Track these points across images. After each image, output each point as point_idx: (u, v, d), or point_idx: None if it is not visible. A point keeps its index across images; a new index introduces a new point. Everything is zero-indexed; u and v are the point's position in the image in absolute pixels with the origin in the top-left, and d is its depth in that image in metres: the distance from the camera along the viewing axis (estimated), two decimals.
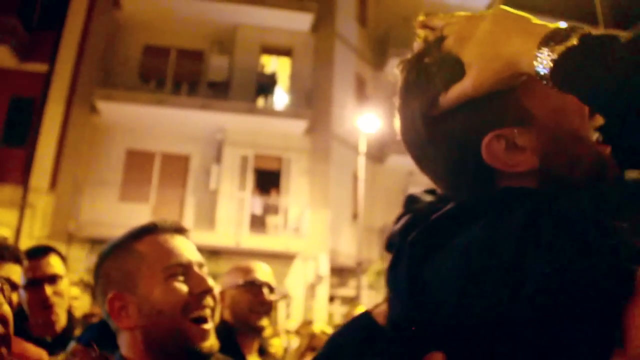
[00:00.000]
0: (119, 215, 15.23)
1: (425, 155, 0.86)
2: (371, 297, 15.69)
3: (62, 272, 2.39)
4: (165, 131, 16.43)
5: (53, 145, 15.91)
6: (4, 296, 1.16)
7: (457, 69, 0.79)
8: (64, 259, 2.49)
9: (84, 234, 14.79)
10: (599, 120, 0.78)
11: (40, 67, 16.37)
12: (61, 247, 14.03)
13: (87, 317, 5.95)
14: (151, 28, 17.46)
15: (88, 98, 16.04)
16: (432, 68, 0.83)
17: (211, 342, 1.31)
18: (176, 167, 16.56)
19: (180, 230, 1.49)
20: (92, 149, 16.19)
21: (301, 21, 17.70)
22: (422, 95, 0.83)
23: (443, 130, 0.81)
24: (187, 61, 17.54)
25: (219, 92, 16.93)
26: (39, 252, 2.39)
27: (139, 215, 15.51)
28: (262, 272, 2.49)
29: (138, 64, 17.34)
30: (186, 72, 17.45)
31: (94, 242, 14.61)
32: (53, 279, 2.32)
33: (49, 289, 2.29)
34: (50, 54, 16.50)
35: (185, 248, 1.43)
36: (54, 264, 2.38)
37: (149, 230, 1.42)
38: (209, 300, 1.35)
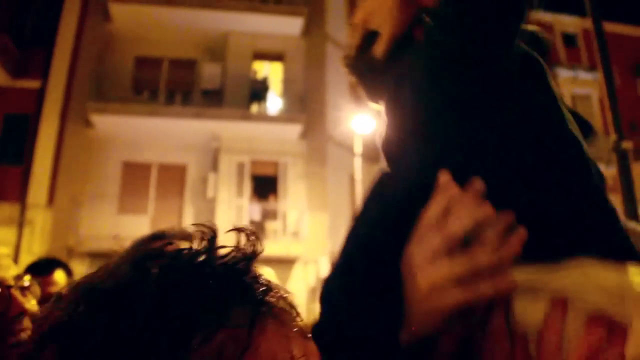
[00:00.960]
0: (118, 228, 15.25)
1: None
2: None
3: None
4: (160, 142, 16.43)
5: (49, 161, 15.91)
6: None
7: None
8: (70, 273, 2.43)
9: (84, 249, 14.75)
10: None
11: (33, 84, 16.39)
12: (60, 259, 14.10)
13: None
14: (142, 39, 17.48)
15: (82, 112, 16.05)
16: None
17: None
18: (173, 177, 16.55)
19: None
20: (89, 163, 16.18)
21: (292, 25, 17.75)
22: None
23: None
24: (180, 70, 17.56)
25: (213, 100, 16.96)
26: (44, 268, 2.33)
27: (138, 227, 15.53)
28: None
29: (131, 76, 17.34)
30: (179, 82, 17.47)
31: (94, 256, 14.56)
32: None
33: None
34: (42, 70, 16.52)
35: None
36: (57, 281, 2.33)
37: None
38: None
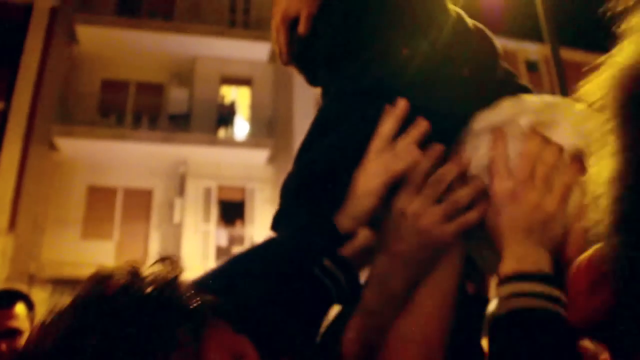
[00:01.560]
0: (82, 254, 14.98)
1: None
2: None
3: (24, 325, 2.24)
4: (126, 166, 16.25)
5: (11, 184, 15.57)
6: None
7: None
8: (32, 306, 2.36)
9: (46, 275, 14.45)
10: None
11: None
12: (22, 290, 13.72)
13: None
14: (109, 62, 17.34)
15: (46, 135, 15.78)
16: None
17: None
18: (139, 201, 16.36)
19: None
20: (52, 187, 15.89)
21: (260, 51, 17.80)
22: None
23: None
24: (147, 94, 17.45)
25: (180, 124, 16.85)
26: (4, 301, 2.26)
27: (102, 252, 15.31)
28: None
29: (97, 99, 17.16)
30: (146, 106, 17.35)
31: (56, 282, 14.29)
32: (12, 333, 2.20)
33: (4, 345, 2.16)
34: (6, 92, 16.23)
35: None
36: (18, 315, 2.24)
37: None
38: None
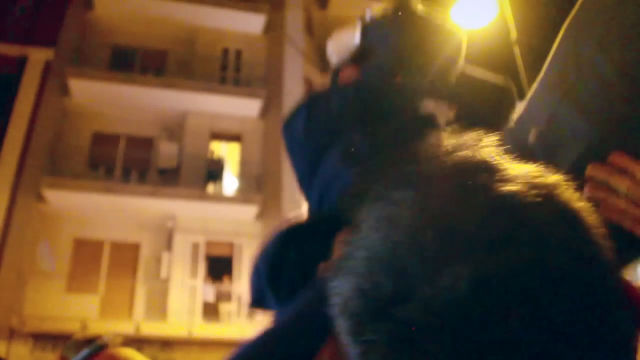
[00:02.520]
0: (66, 308, 14.82)
1: None
2: None
3: None
4: (114, 219, 16.20)
5: None
6: None
7: None
8: None
9: (28, 329, 14.20)
10: None
11: None
12: (2, 345, 13.32)
13: None
14: (100, 116, 17.49)
15: (35, 186, 15.74)
16: None
17: None
18: (126, 255, 16.25)
19: None
20: (38, 238, 15.78)
21: (250, 107, 18.05)
22: None
23: None
24: (137, 148, 17.54)
25: (169, 178, 16.90)
26: None
27: (87, 306, 15.14)
28: None
29: (87, 152, 17.22)
30: (135, 159, 17.42)
31: (38, 337, 14.08)
32: None
33: None
34: None
35: None
36: None
37: None
38: None
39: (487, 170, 0.44)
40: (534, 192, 0.41)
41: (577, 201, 0.44)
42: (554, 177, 0.45)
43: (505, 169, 0.44)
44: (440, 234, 0.39)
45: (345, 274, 0.45)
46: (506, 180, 0.42)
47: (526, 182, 0.42)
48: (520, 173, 0.44)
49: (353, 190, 0.60)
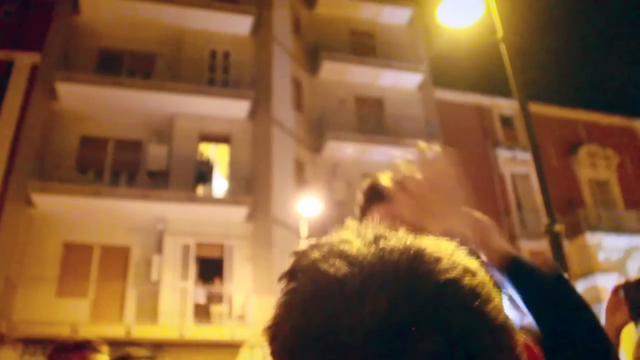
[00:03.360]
0: (56, 312, 14.74)
1: None
2: None
3: None
4: (104, 223, 16.15)
5: None
6: None
7: None
8: None
9: (17, 334, 14.11)
10: None
11: None
12: None
13: None
14: (88, 119, 17.43)
15: (23, 191, 15.68)
16: None
17: None
18: (116, 259, 16.19)
19: None
20: (27, 243, 15.69)
21: (238, 109, 18.06)
22: None
23: None
24: (125, 151, 17.49)
25: (158, 181, 16.88)
26: None
27: (77, 311, 15.06)
28: None
29: (75, 155, 17.14)
30: (124, 162, 17.38)
31: (27, 342, 13.98)
32: None
33: None
34: None
35: None
36: None
37: None
38: None
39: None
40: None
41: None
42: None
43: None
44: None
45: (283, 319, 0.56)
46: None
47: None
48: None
49: None
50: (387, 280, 0.49)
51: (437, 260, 0.51)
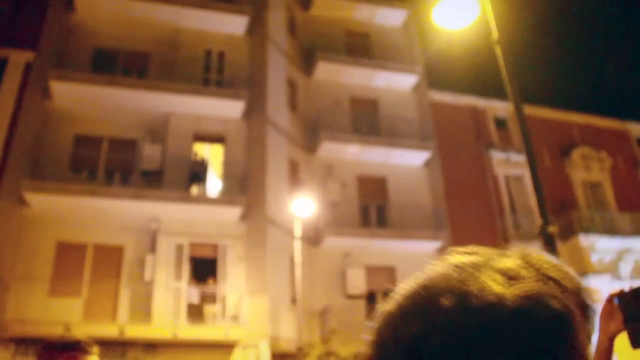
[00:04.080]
0: (49, 312, 14.70)
1: None
2: None
3: None
4: (97, 222, 16.10)
5: None
6: None
7: None
8: None
9: (9, 334, 14.05)
10: None
11: None
12: None
13: None
14: (82, 118, 17.38)
15: (16, 189, 15.60)
16: None
17: None
18: (109, 258, 16.14)
19: None
20: (20, 242, 15.62)
21: (233, 109, 18.05)
22: None
23: None
24: (119, 150, 17.45)
25: (152, 181, 16.85)
26: None
27: (70, 310, 15.02)
28: None
29: (69, 154, 17.08)
30: (118, 162, 17.34)
31: (20, 342, 13.92)
32: None
33: None
34: None
35: None
36: None
37: None
38: None
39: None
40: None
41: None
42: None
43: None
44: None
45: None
46: None
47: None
48: None
49: None
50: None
51: None
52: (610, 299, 1.49)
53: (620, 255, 22.08)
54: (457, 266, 0.68)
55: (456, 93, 23.75)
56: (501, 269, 0.66)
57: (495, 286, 0.64)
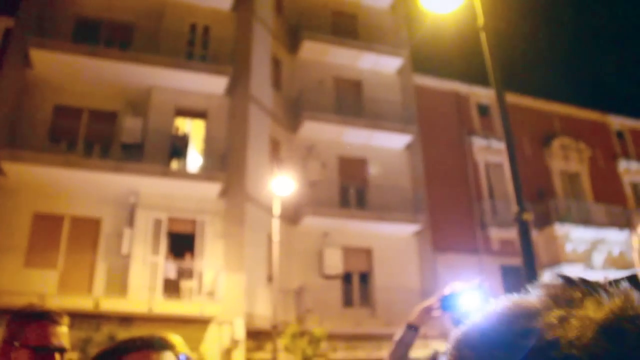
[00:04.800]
0: (24, 283, 14.58)
1: None
2: None
3: None
4: (75, 194, 15.96)
5: None
6: None
7: None
8: None
9: None
10: None
11: None
12: None
13: None
14: (63, 88, 17.12)
15: None
16: None
17: None
18: (86, 230, 16.03)
19: None
20: None
21: (216, 84, 17.90)
22: None
23: None
24: (100, 122, 17.24)
25: (132, 154, 16.68)
26: None
27: (45, 282, 14.92)
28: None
29: (48, 125, 16.82)
30: (98, 134, 17.13)
31: None
32: None
33: None
34: None
35: None
36: None
37: None
38: None
39: None
40: None
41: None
42: None
43: None
44: None
45: None
46: None
47: None
48: None
49: None
50: None
51: None
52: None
53: (594, 245, 22.44)
54: None
55: (441, 78, 23.80)
56: None
57: None
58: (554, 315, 0.60)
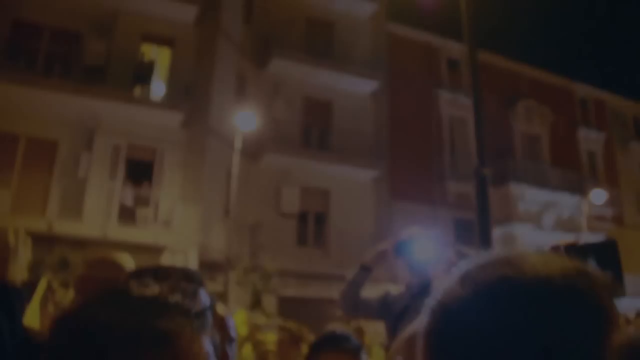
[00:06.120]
0: None
1: None
2: (239, 293, 15.83)
3: None
4: (32, 114, 15.53)
5: None
6: None
7: None
8: None
9: None
10: None
11: None
12: None
13: None
14: (23, 2, 16.42)
15: None
16: None
17: None
18: (42, 152, 15.71)
19: None
20: None
21: (185, 12, 17.45)
22: None
23: None
24: (62, 42, 16.71)
25: (95, 77, 16.23)
26: None
27: None
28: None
29: (6, 40, 16.19)
30: (60, 54, 16.63)
31: None
32: None
33: None
34: None
35: None
36: None
37: None
38: None
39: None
40: None
41: None
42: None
43: None
44: None
45: None
46: None
47: None
48: None
49: None
50: None
51: None
52: (556, 248, 1.53)
53: (546, 207, 23.08)
54: None
55: (414, 28, 23.65)
56: None
57: None
58: None
